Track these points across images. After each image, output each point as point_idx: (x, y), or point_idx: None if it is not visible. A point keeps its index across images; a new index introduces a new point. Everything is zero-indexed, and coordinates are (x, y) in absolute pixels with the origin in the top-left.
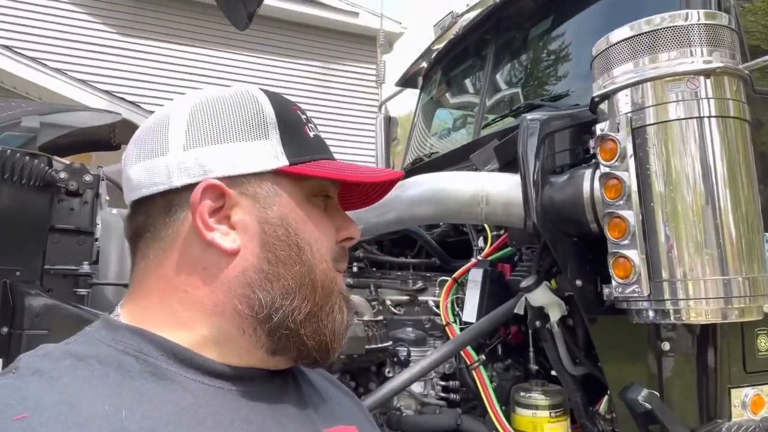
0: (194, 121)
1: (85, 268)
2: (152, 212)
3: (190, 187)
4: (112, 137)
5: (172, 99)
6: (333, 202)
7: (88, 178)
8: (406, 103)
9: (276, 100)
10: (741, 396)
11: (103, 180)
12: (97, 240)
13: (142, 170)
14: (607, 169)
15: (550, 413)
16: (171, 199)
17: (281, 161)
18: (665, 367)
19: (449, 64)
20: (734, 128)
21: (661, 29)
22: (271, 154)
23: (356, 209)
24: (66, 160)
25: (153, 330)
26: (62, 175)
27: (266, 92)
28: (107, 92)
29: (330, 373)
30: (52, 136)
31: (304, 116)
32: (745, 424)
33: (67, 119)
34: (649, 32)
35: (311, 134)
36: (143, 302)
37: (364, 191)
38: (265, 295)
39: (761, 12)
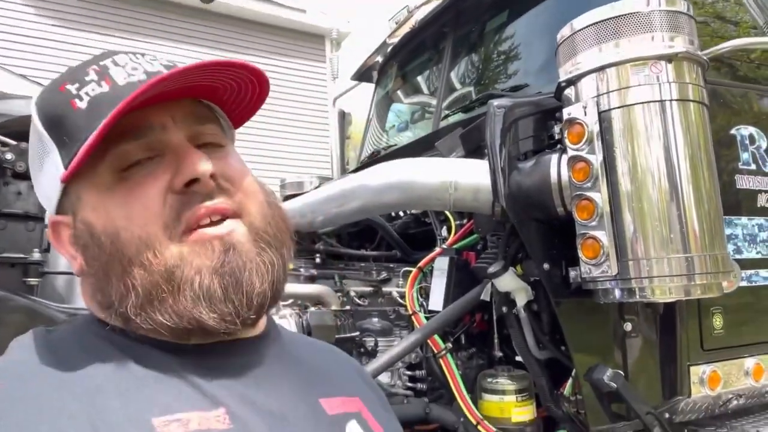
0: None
1: (36, 256)
2: None
3: None
4: None
5: None
6: (164, 153)
7: None
8: (358, 104)
9: (42, 105)
10: (699, 373)
11: None
12: (47, 226)
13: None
14: (575, 152)
15: (516, 397)
16: None
17: (60, 170)
18: (628, 347)
19: (405, 58)
20: (694, 111)
21: (624, 15)
22: (54, 170)
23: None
24: (12, 141)
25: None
26: (8, 155)
27: (37, 103)
28: (40, 85)
29: None
30: None
31: (73, 93)
32: (700, 401)
33: (1, 107)
34: (612, 18)
35: (83, 104)
36: None
37: (233, 98)
38: (102, 299)
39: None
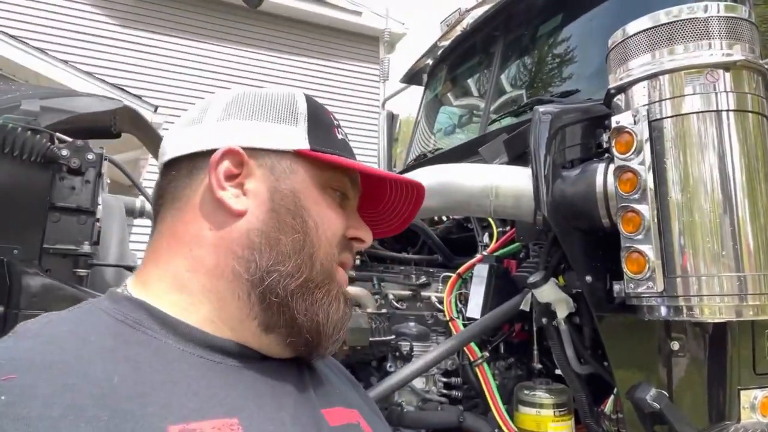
0: (234, 102)
1: (86, 248)
2: (176, 175)
3: (213, 152)
4: (113, 124)
5: (174, 92)
6: (350, 204)
7: (90, 156)
8: (406, 106)
9: (312, 101)
10: (750, 398)
11: (105, 160)
12: (98, 220)
13: (175, 136)
14: (623, 162)
15: (554, 412)
16: (195, 163)
17: (302, 144)
18: (674, 367)
19: (455, 61)
20: (752, 123)
21: (680, 21)
22: (295, 138)
23: (380, 237)
24: (68, 138)
25: (154, 300)
26: (64, 152)
27: (306, 95)
28: (112, 84)
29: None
30: (52, 121)
31: (336, 121)
32: (752, 427)
33: (67, 104)
34: (667, 24)
35: (339, 136)
36: (150, 268)
37: (387, 214)
38: (261, 257)
39: None
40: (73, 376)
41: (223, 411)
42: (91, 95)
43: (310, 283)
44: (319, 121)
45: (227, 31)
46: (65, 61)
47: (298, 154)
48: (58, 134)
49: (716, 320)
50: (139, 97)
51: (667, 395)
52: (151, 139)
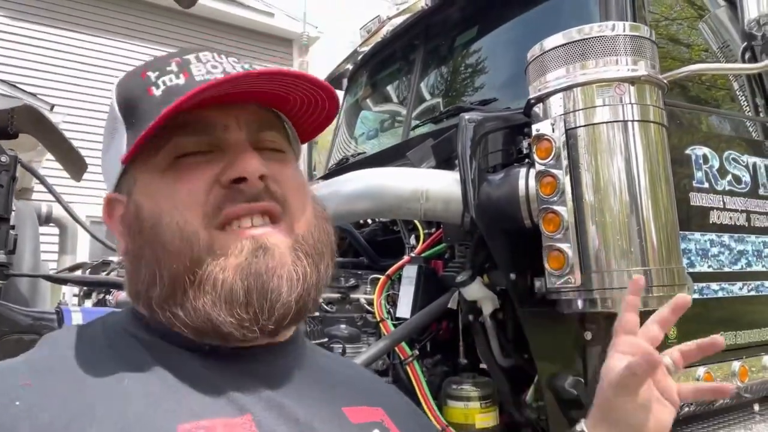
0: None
1: (1, 257)
2: None
3: None
4: (9, 125)
5: (71, 89)
6: (224, 144)
7: (3, 159)
8: None
9: (122, 84)
10: None
11: (18, 163)
12: (13, 228)
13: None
14: (543, 167)
15: (480, 404)
16: None
17: (122, 151)
18: (589, 355)
19: (376, 67)
20: (654, 132)
21: (591, 38)
22: (120, 147)
23: (320, 128)
24: None
25: (149, 311)
26: None
27: (118, 82)
28: (2, 80)
29: None
30: None
31: (155, 74)
32: None
33: None
34: (580, 41)
35: (157, 93)
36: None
37: (311, 110)
38: (133, 285)
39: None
40: (86, 380)
41: (235, 409)
42: None
43: (176, 283)
44: (132, 101)
45: (130, 27)
46: None
47: (128, 161)
48: None
49: None
50: (33, 94)
51: (584, 382)
52: (53, 139)
